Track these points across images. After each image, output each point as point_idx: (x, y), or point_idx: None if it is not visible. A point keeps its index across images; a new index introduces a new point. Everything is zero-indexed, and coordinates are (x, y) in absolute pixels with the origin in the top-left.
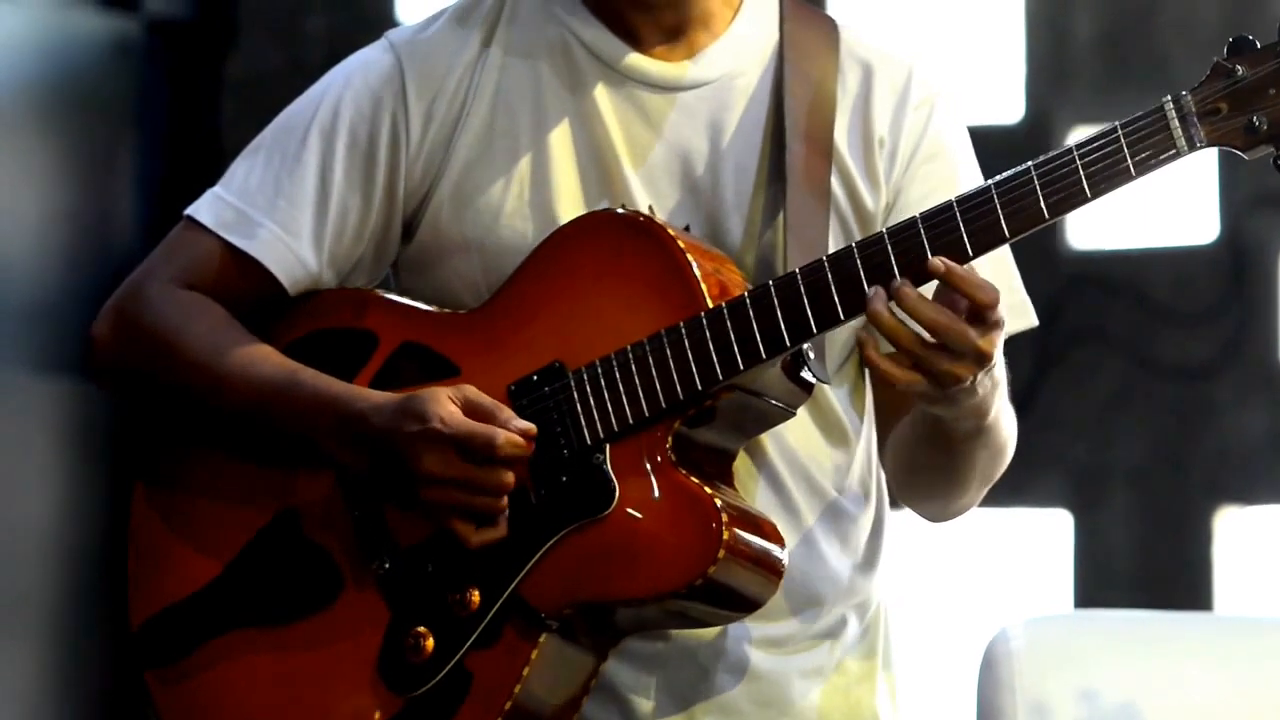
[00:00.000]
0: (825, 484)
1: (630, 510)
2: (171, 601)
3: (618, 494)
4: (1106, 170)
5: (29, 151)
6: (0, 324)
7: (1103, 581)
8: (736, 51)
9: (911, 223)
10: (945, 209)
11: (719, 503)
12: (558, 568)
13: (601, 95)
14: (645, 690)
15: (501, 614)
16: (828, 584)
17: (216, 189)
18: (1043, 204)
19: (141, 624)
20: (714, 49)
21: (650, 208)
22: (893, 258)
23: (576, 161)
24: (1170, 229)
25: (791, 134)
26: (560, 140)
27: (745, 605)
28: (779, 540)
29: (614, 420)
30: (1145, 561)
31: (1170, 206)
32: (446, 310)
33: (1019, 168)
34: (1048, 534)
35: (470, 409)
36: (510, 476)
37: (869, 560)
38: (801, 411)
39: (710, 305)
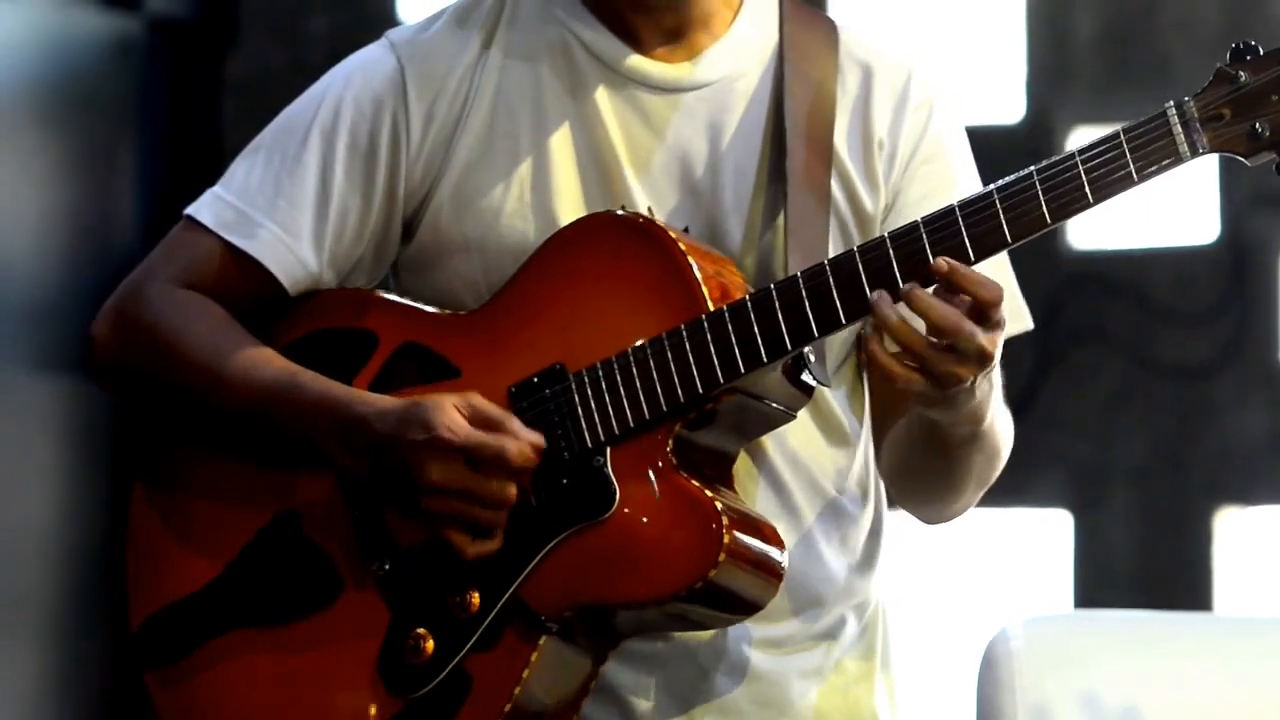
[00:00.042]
0: (826, 485)
1: (630, 513)
2: (171, 601)
3: (618, 497)
4: (1109, 175)
5: (29, 151)
6: (0, 324)
7: (1103, 581)
8: (737, 53)
9: (913, 226)
10: (947, 213)
11: (719, 506)
12: (558, 570)
13: (602, 97)
14: (645, 691)
15: (501, 616)
16: (827, 584)
17: (216, 189)
18: (1045, 209)
19: (141, 624)
20: (714, 50)
21: (649, 209)
22: (894, 262)
23: (577, 163)
24: (1171, 229)
25: (792, 136)
26: (561, 141)
27: (745, 608)
28: (779, 543)
29: (615, 423)
30: (1145, 561)
31: (1171, 207)
32: (447, 311)
33: (1021, 172)
34: (1048, 534)
35: (478, 419)
36: (513, 490)
37: (867, 560)
38: (803, 413)
39: (711, 308)
